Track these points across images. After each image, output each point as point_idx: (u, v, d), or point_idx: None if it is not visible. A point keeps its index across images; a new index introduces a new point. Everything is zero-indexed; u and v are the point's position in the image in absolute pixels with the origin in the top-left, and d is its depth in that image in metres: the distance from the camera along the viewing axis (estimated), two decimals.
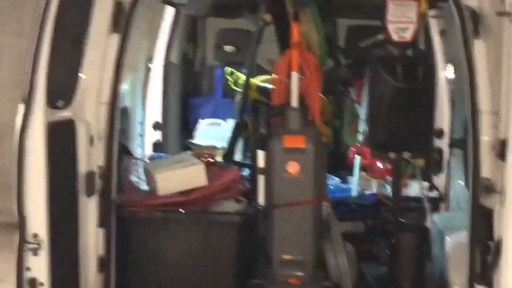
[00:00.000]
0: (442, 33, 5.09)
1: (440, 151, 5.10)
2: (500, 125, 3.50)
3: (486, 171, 3.69)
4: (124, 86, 4.77)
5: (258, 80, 5.07)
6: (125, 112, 4.92)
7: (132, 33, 3.90)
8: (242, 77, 5.21)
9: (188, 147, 5.73)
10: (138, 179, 4.52)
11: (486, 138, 3.71)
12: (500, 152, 3.52)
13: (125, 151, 4.71)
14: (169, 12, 6.01)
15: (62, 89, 3.70)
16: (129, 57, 3.97)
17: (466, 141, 3.91)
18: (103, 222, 3.90)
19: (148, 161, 4.95)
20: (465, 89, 3.76)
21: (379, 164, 5.14)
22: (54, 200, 3.50)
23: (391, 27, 4.20)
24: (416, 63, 4.25)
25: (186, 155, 4.67)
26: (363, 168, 5.46)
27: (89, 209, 3.84)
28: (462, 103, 4.34)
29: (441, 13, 4.98)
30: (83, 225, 3.81)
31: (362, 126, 5.55)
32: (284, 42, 4.38)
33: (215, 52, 6.56)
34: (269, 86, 4.52)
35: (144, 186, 4.49)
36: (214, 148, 5.53)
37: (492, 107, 3.62)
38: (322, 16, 4.66)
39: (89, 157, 3.82)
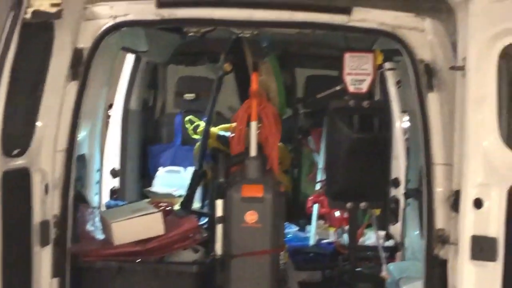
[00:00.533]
0: (398, 84, 5.16)
1: (396, 201, 5.10)
2: (453, 177, 3.56)
3: (440, 222, 3.73)
4: (82, 133, 4.69)
5: (217, 129, 5.08)
6: (82, 159, 4.79)
7: (91, 79, 3.90)
8: (202, 125, 5.18)
9: (146, 195, 5.61)
10: (94, 227, 4.43)
11: (440, 189, 3.74)
12: (453, 203, 3.55)
13: (81, 199, 4.60)
14: (129, 59, 5.94)
15: (17, 137, 3.65)
16: (88, 103, 3.97)
17: (420, 191, 3.92)
18: (57, 272, 3.82)
19: (104, 208, 4.85)
20: (420, 141, 3.84)
21: (337, 213, 5.08)
22: (7, 250, 3.42)
23: (348, 79, 4.28)
24: (372, 113, 4.35)
25: (144, 203, 4.60)
26: (321, 216, 5.42)
27: (43, 259, 3.77)
28: (417, 153, 4.38)
29: (397, 66, 5.05)
30: (37, 275, 3.71)
31: (320, 175, 5.52)
32: (243, 91, 4.43)
33: (175, 100, 6.55)
34: (229, 134, 4.57)
35: (100, 235, 4.40)
36: (172, 196, 5.47)
37: (446, 159, 3.67)
38: (281, 66, 4.69)
39: (44, 206, 3.74)
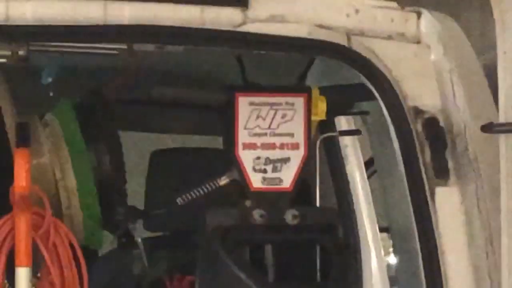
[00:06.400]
0: (370, 165, 2.76)
1: None
2: None
3: None
4: None
5: None
6: None
7: None
8: None
9: None
10: None
11: None
12: None
13: None
14: None
15: None
16: None
17: None
18: None
19: None
20: None
21: None
22: None
23: (245, 158, 2.35)
24: (306, 240, 2.42)
25: None
26: None
27: None
28: None
29: (366, 123, 2.67)
30: None
31: None
32: None
33: None
34: None
35: None
36: None
37: None
38: (87, 130, 2.55)
39: None
